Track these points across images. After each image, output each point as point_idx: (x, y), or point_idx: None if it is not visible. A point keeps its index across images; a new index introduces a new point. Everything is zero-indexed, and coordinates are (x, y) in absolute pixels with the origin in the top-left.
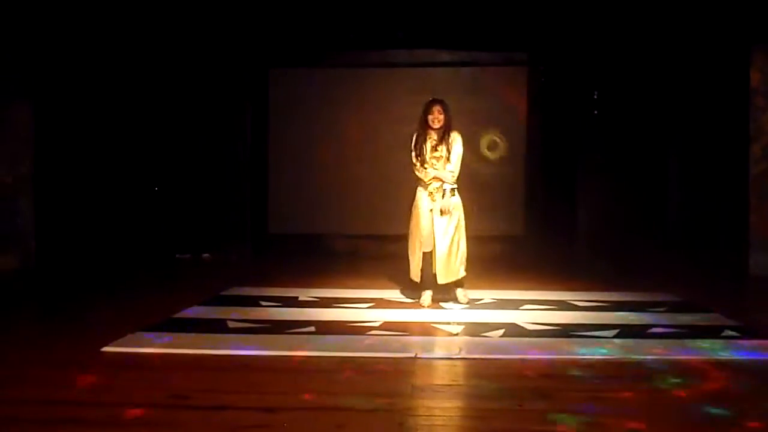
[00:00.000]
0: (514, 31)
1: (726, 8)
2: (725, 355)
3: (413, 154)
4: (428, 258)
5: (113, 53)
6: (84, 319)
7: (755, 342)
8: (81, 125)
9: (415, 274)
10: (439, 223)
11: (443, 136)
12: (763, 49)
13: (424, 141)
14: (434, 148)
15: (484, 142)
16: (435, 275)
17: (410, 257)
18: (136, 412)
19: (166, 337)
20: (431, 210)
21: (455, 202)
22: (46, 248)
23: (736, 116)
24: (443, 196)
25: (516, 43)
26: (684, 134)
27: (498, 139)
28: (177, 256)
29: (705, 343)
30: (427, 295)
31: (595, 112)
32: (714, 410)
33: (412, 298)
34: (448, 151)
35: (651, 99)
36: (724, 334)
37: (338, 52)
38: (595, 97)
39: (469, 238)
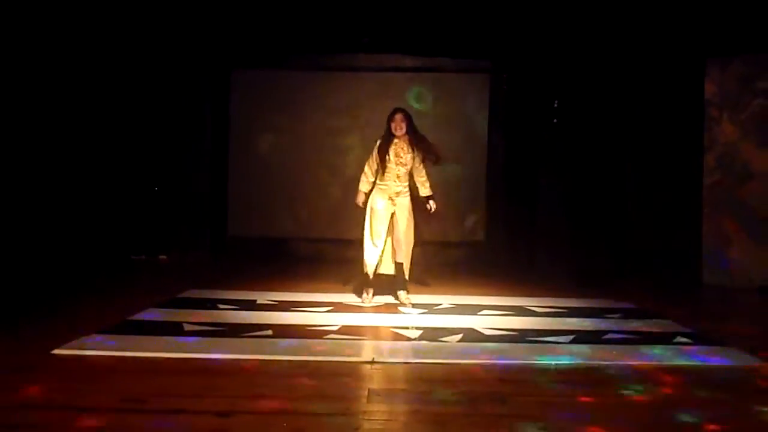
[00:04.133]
0: (477, 38)
1: (683, 21)
2: (676, 360)
3: (371, 160)
4: (377, 256)
5: (69, 50)
6: (35, 321)
7: (705, 348)
8: (35, 124)
9: (369, 270)
10: (399, 223)
11: (407, 143)
12: (717, 62)
13: (388, 148)
14: (398, 155)
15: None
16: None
17: (365, 253)
18: (89, 416)
19: (121, 339)
20: (393, 213)
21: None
22: None
23: (692, 127)
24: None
25: (479, 51)
26: (641, 143)
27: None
28: (132, 257)
29: (657, 349)
30: (371, 293)
31: (555, 120)
32: (671, 415)
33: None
34: (413, 158)
35: (610, 108)
36: (676, 340)
37: (302, 54)
38: (556, 105)
39: (430, 244)
